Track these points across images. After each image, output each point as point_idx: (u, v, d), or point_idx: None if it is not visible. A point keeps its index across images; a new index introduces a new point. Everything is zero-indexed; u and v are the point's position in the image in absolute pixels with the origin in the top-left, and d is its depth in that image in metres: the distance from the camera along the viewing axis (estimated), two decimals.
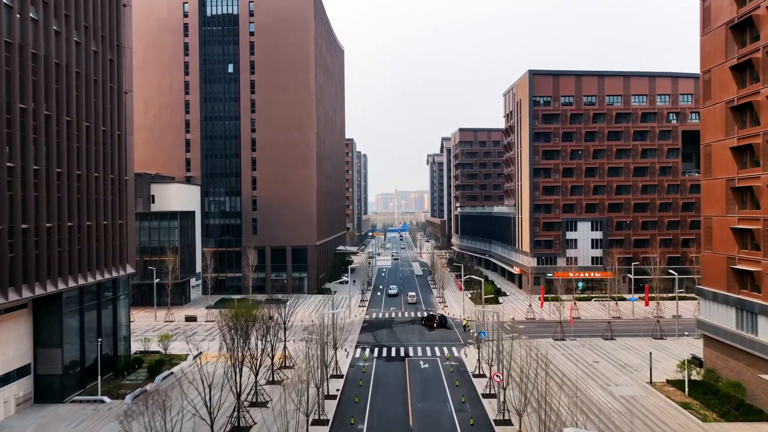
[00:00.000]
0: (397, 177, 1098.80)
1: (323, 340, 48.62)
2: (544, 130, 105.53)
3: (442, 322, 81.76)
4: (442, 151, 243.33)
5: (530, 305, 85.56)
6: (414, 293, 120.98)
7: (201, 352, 63.21)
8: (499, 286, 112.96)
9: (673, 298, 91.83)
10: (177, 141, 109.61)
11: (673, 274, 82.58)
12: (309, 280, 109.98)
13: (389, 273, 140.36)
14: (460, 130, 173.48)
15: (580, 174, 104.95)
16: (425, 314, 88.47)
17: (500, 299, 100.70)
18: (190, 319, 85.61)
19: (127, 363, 57.18)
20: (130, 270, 60.06)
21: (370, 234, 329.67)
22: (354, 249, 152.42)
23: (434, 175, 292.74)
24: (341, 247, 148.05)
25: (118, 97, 58.08)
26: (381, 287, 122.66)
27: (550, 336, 71.76)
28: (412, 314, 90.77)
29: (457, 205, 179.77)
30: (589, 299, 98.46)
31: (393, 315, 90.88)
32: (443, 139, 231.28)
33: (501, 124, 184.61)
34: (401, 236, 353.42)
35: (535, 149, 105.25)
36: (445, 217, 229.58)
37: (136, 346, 66.52)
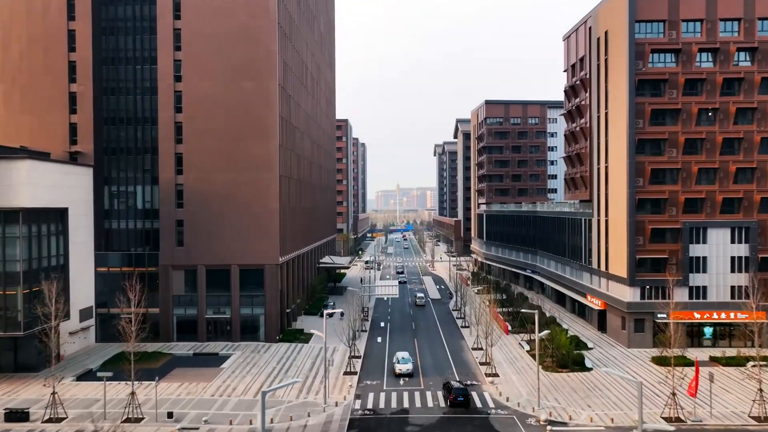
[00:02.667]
0: (397, 173, 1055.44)
1: None
2: (653, 77, 64.21)
3: (459, 400, 45.81)
4: (456, 136, 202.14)
5: (674, 394, 44.15)
6: (422, 295, 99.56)
7: None
8: (564, 325, 71.94)
9: None
10: (56, 96, 68.21)
11: None
12: (268, 319, 68.76)
13: (394, 304, 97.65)
14: (487, 103, 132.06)
15: (713, 149, 63.66)
16: (453, 383, 48.77)
17: (585, 358, 59.49)
18: (16, 416, 44.42)
19: None
20: None
21: (369, 235, 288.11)
22: (344, 261, 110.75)
23: (443, 167, 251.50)
24: (328, 259, 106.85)
25: None
26: (382, 324, 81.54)
27: None
28: (439, 398, 49.56)
29: (481, 201, 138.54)
30: (741, 363, 57.08)
31: (405, 402, 49.65)
32: (458, 121, 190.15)
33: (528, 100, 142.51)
34: (405, 236, 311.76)
35: (639, 108, 63.93)
36: (460, 216, 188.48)
37: None
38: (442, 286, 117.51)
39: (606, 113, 70.19)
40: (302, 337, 70.76)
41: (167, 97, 68.00)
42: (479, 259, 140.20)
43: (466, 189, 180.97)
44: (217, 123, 67.71)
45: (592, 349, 64.84)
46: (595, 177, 74.22)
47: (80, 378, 55.11)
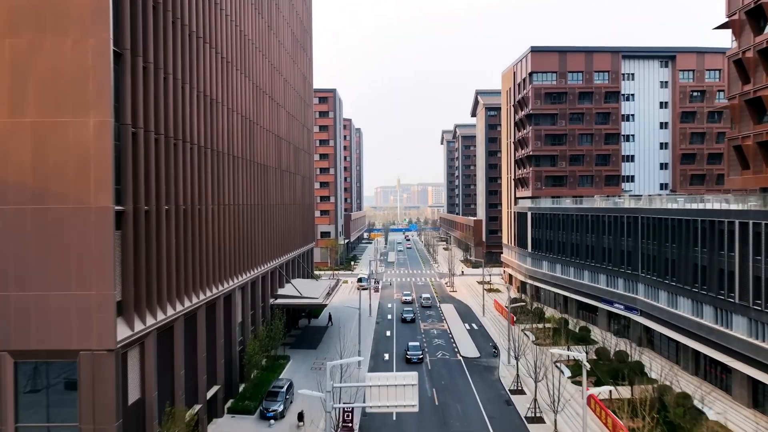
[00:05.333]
0: (397, 169, 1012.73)
1: None
2: None
3: None
4: (474, 113, 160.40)
5: None
6: (429, 295, 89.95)
7: None
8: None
9: None
10: None
11: None
12: None
13: (399, 362, 49.36)
14: (534, 51, 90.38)
15: None
16: None
17: None
18: None
19: None
20: None
21: (366, 236, 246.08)
22: (319, 291, 66.28)
23: (455, 156, 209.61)
24: (290, 289, 64.70)
25: None
26: None
27: None
28: None
29: (522, 194, 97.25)
30: None
31: None
32: (478, 93, 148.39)
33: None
34: (407, 237, 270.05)
35: None
36: (480, 215, 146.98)
37: None
38: (475, 326, 75.63)
39: None
40: None
41: None
42: (519, 276, 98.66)
43: (491, 180, 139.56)
44: None
45: None
46: None
47: None
